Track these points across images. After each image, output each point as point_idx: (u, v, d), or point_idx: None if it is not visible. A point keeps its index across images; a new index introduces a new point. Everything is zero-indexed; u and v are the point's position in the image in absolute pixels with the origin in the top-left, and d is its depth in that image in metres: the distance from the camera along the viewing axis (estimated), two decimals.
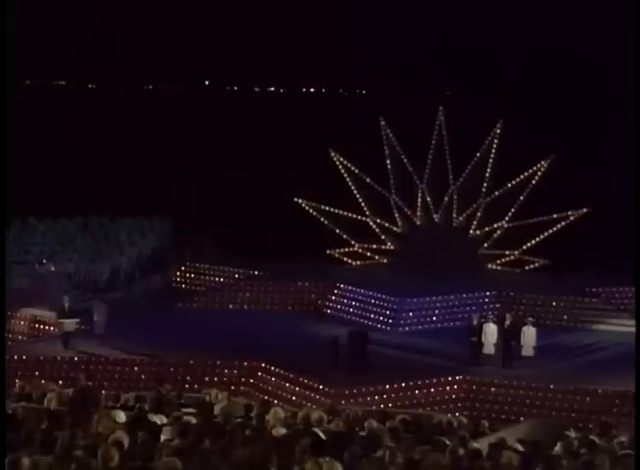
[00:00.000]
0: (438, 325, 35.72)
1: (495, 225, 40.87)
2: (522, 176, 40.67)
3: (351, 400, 27.87)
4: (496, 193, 40.81)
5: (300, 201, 41.71)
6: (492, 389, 29.57)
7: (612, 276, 37.41)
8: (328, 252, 41.52)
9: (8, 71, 39.97)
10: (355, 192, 41.58)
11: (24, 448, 11.33)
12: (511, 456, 12.43)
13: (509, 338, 30.89)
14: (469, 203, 40.97)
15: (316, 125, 50.96)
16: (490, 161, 40.98)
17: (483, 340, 30.93)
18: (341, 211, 41.53)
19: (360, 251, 41.69)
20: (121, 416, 14.37)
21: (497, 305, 36.63)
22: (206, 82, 76.32)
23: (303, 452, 11.82)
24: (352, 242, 41.67)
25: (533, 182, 40.54)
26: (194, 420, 14.20)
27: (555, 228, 40.27)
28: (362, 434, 14.00)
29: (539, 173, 40.68)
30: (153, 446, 11.87)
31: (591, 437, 15.95)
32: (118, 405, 16.92)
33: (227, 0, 62.62)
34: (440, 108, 42.42)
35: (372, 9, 59.68)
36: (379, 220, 41.48)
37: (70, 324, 31.95)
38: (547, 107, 53.07)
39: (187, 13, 63.08)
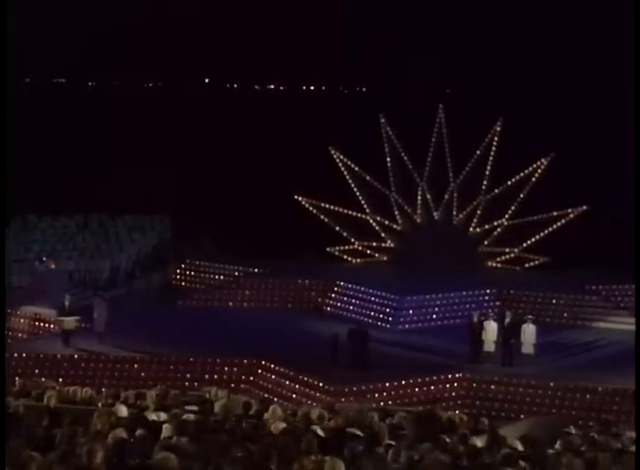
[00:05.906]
0: (438, 323, 35.69)
1: (495, 223, 40.87)
2: (521, 174, 40.67)
3: (351, 398, 27.87)
4: (496, 191, 40.83)
5: (300, 198, 41.73)
6: (492, 386, 29.57)
7: (611, 274, 37.39)
8: (328, 249, 41.53)
9: (8, 70, 39.89)
10: (355, 189, 41.60)
11: (26, 446, 11.30)
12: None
13: (509, 336, 30.86)
14: (469, 200, 40.99)
15: (316, 123, 50.85)
16: (490, 158, 40.99)
17: (483, 337, 30.93)
18: (340, 209, 41.54)
19: (360, 248, 41.68)
20: (123, 411, 14.38)
21: (497, 303, 36.64)
22: (206, 80, 76.19)
23: (304, 450, 11.81)
24: (352, 240, 41.67)
25: (533, 180, 40.55)
26: (192, 417, 14.18)
27: (555, 226, 40.29)
28: (361, 432, 13.97)
29: (539, 171, 40.69)
30: (152, 444, 11.84)
31: (591, 434, 15.95)
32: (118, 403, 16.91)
33: None
34: (440, 105, 42.44)
35: (372, 6, 59.62)
36: (379, 218, 41.48)
37: (71, 322, 31.97)
38: (547, 105, 52.97)
39: (187, 11, 63.00)
